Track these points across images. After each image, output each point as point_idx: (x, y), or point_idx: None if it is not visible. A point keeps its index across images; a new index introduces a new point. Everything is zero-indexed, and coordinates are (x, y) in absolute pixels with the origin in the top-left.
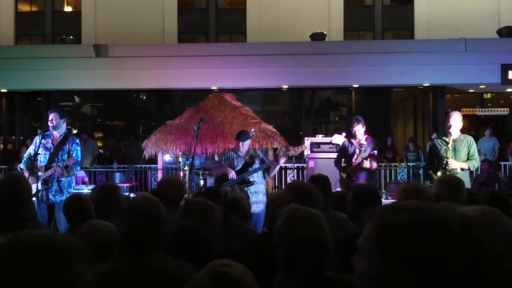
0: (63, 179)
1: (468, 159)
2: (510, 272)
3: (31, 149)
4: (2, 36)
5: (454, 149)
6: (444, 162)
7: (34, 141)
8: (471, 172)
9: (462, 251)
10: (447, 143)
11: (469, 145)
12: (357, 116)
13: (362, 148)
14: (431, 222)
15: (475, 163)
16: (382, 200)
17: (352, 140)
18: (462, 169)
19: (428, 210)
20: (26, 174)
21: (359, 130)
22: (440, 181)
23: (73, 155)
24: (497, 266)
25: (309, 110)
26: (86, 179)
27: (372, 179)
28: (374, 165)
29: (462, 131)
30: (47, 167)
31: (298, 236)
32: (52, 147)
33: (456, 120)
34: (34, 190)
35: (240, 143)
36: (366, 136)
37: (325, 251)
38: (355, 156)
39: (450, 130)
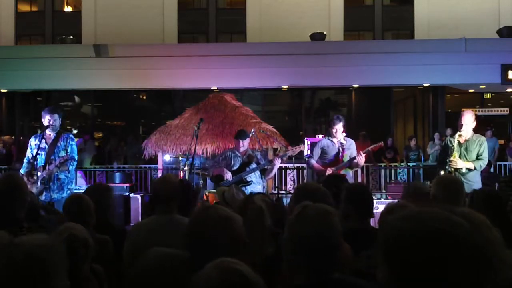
0: (62, 176)
1: (476, 158)
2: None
3: (28, 153)
4: (2, 36)
5: (466, 149)
6: (447, 161)
7: (29, 144)
8: None
9: (463, 258)
10: (458, 142)
11: (480, 145)
12: (339, 115)
13: (345, 147)
14: (433, 231)
15: (482, 164)
16: (382, 200)
17: (332, 139)
18: (468, 169)
19: (434, 218)
20: (25, 178)
21: (340, 129)
22: (438, 182)
23: (69, 150)
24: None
25: (309, 110)
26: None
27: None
28: (362, 161)
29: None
30: (45, 167)
31: (309, 232)
32: (47, 147)
33: (468, 120)
34: (34, 192)
35: (241, 141)
36: (344, 135)
37: (335, 248)
38: (340, 155)
39: (462, 129)
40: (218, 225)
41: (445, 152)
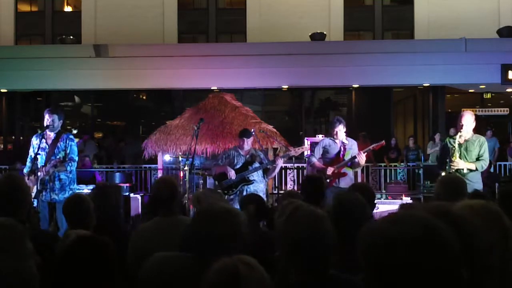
0: (63, 176)
1: (477, 159)
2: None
3: (30, 152)
4: (2, 36)
5: (466, 149)
6: (448, 162)
7: (31, 143)
8: None
9: (439, 262)
10: (459, 143)
11: (480, 145)
12: (339, 117)
13: (347, 147)
14: (409, 234)
15: (483, 164)
16: (382, 200)
17: (335, 140)
18: (469, 169)
19: (410, 221)
20: (27, 178)
21: (341, 130)
22: (440, 181)
23: (68, 151)
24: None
25: (309, 110)
26: (100, 179)
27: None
28: (363, 160)
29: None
30: (45, 167)
31: (300, 234)
32: (47, 147)
33: (468, 120)
34: (34, 192)
35: (245, 140)
36: (346, 136)
37: (328, 249)
38: (341, 154)
39: (462, 130)
40: (224, 218)
41: (446, 152)
